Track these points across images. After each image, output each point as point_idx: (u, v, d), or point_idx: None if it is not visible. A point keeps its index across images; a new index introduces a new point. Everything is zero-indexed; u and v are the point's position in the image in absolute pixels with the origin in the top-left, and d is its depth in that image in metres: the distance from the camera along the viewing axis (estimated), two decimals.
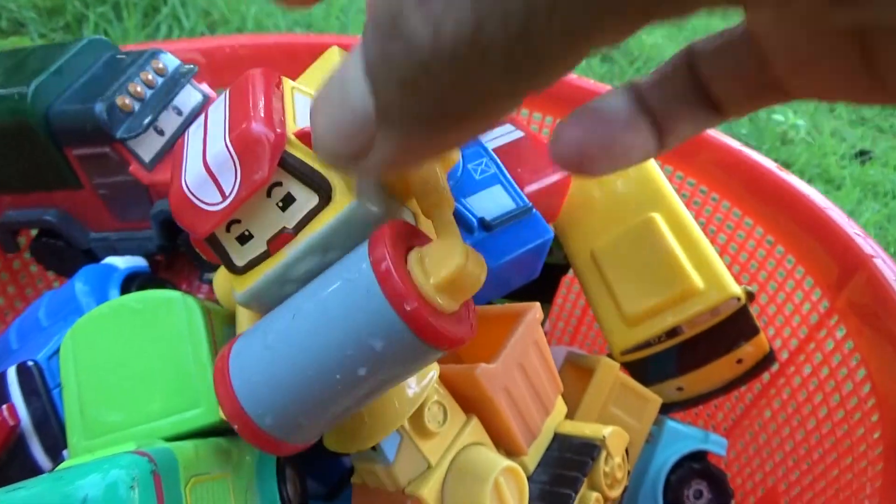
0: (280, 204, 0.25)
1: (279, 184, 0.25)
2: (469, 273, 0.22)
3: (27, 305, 0.42)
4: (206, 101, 0.41)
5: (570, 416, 0.38)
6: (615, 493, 0.33)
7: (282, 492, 0.28)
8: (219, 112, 0.27)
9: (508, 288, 0.41)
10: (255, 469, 0.27)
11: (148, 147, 0.36)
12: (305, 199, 0.25)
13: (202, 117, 0.28)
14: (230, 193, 0.24)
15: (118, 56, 0.39)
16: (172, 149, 0.38)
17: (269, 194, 0.25)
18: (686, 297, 0.39)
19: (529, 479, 0.32)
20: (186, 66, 0.40)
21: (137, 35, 1.04)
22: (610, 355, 0.41)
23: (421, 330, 0.21)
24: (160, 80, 0.38)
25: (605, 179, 0.45)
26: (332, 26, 1.16)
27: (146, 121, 0.36)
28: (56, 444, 0.30)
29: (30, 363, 0.30)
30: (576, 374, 0.42)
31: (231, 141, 0.24)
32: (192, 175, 0.25)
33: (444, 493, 0.28)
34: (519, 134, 0.45)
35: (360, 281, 0.22)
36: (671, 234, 0.41)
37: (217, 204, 0.25)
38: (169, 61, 0.39)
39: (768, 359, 0.42)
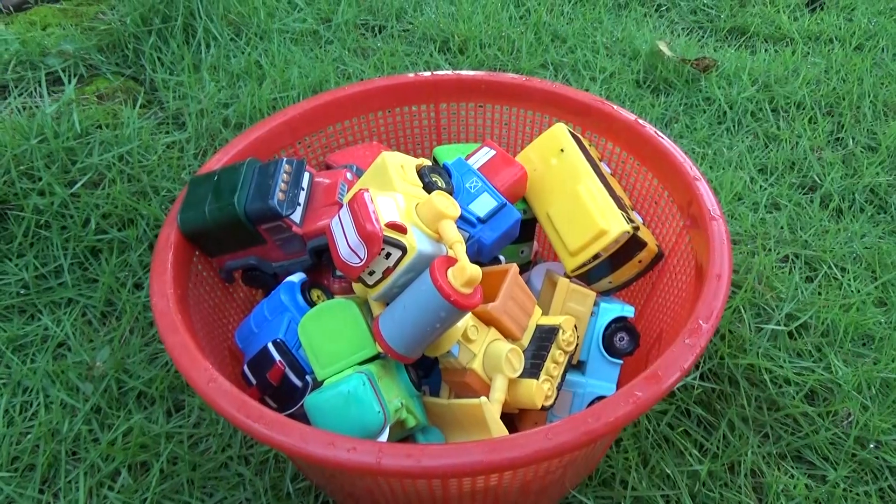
0: (384, 257, 0.56)
1: (383, 248, 0.56)
2: (472, 278, 0.53)
3: (241, 309, 0.76)
4: (312, 177, 0.71)
5: (545, 311, 0.70)
6: (570, 348, 0.65)
7: (409, 375, 0.61)
8: (347, 217, 0.57)
9: (503, 247, 0.72)
10: (396, 368, 0.61)
11: (297, 214, 0.67)
12: (395, 253, 0.56)
13: (337, 217, 0.59)
14: (363, 258, 0.56)
15: (263, 166, 0.69)
16: (309, 210, 0.69)
17: (378, 253, 0.56)
18: (598, 236, 0.69)
19: (525, 350, 0.65)
20: (300, 161, 0.70)
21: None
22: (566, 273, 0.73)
23: (459, 306, 0.53)
24: (290, 175, 0.68)
25: (549, 166, 0.75)
26: None
27: (294, 202, 0.67)
28: (300, 372, 0.63)
29: (278, 339, 0.63)
30: (550, 284, 0.74)
31: (360, 235, 0.55)
32: (343, 251, 0.57)
33: (484, 365, 0.61)
34: (493, 153, 0.74)
35: (430, 289, 0.54)
36: (588, 199, 0.71)
37: (358, 263, 0.56)
38: (291, 162, 0.69)
39: (658, 257, 0.73)
